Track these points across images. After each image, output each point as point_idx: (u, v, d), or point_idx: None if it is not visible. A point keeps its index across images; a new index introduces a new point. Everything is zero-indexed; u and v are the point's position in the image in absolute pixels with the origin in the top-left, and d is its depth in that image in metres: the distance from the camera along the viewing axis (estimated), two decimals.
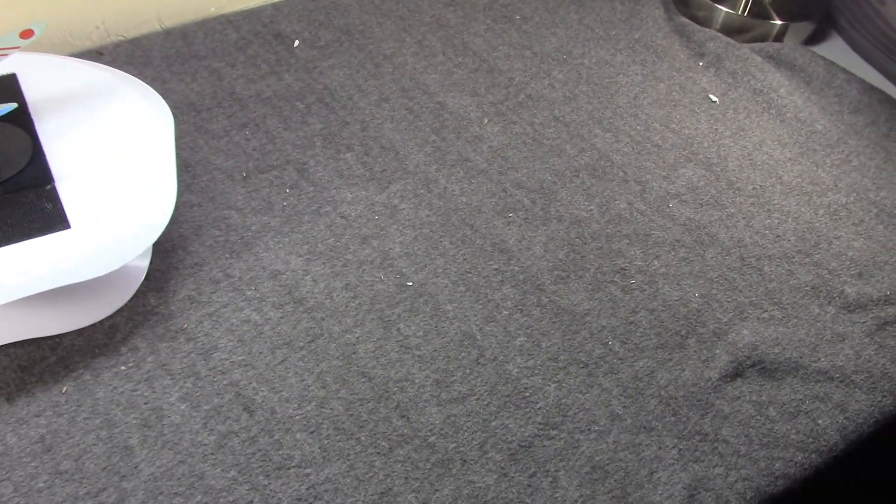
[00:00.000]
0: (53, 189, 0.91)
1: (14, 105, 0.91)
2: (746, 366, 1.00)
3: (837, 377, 1.00)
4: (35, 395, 0.89)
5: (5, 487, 0.82)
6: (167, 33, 1.36)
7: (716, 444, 0.93)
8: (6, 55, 0.92)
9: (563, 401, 0.94)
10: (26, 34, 0.93)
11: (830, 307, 1.09)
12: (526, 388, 0.95)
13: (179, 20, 1.43)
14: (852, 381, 1.00)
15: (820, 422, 0.96)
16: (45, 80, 1.03)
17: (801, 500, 0.95)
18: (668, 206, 1.19)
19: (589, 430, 0.92)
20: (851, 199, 1.24)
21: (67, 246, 0.87)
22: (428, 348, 0.98)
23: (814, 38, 1.60)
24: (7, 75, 1.02)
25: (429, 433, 0.90)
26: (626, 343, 1.01)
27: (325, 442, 0.88)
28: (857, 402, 0.98)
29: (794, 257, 1.14)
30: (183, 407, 0.90)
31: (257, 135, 1.21)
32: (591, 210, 1.17)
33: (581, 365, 0.98)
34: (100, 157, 0.95)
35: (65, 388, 0.90)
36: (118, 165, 0.95)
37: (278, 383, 0.93)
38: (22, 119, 0.97)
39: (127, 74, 1.08)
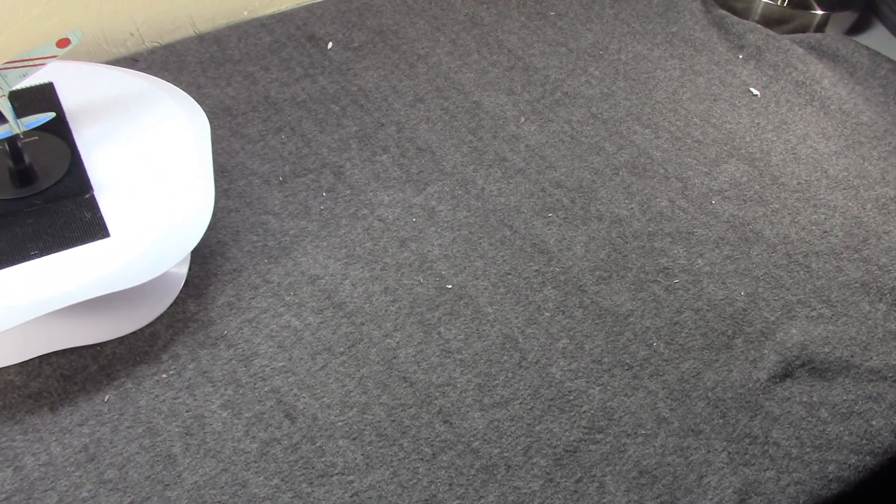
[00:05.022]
0: (92, 198, 0.91)
1: (52, 114, 0.91)
2: (796, 366, 0.98)
3: (891, 376, 0.97)
4: (78, 404, 0.89)
5: (50, 497, 0.82)
6: (201, 38, 1.36)
7: (766, 447, 0.90)
8: (44, 65, 0.92)
9: (609, 404, 0.93)
10: (63, 43, 0.93)
11: (881, 304, 1.06)
12: (570, 392, 0.93)
13: (213, 25, 1.43)
14: None
15: (874, 423, 0.93)
16: (81, 88, 1.03)
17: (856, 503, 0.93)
18: (711, 203, 1.16)
19: (635, 433, 0.90)
20: None
21: (107, 255, 0.87)
22: (469, 352, 0.96)
23: (856, 28, 1.57)
24: (44, 84, 1.02)
25: (472, 438, 0.89)
26: (670, 344, 0.99)
27: (368, 448, 0.87)
28: None
29: (842, 253, 1.11)
30: (224, 414, 0.89)
31: (293, 138, 1.20)
32: (631, 208, 1.15)
33: (625, 367, 0.96)
34: (137, 165, 0.95)
35: (107, 397, 0.90)
36: (156, 173, 0.94)
37: (319, 389, 0.92)
38: (60, 128, 0.98)
39: (162, 81, 1.08)
